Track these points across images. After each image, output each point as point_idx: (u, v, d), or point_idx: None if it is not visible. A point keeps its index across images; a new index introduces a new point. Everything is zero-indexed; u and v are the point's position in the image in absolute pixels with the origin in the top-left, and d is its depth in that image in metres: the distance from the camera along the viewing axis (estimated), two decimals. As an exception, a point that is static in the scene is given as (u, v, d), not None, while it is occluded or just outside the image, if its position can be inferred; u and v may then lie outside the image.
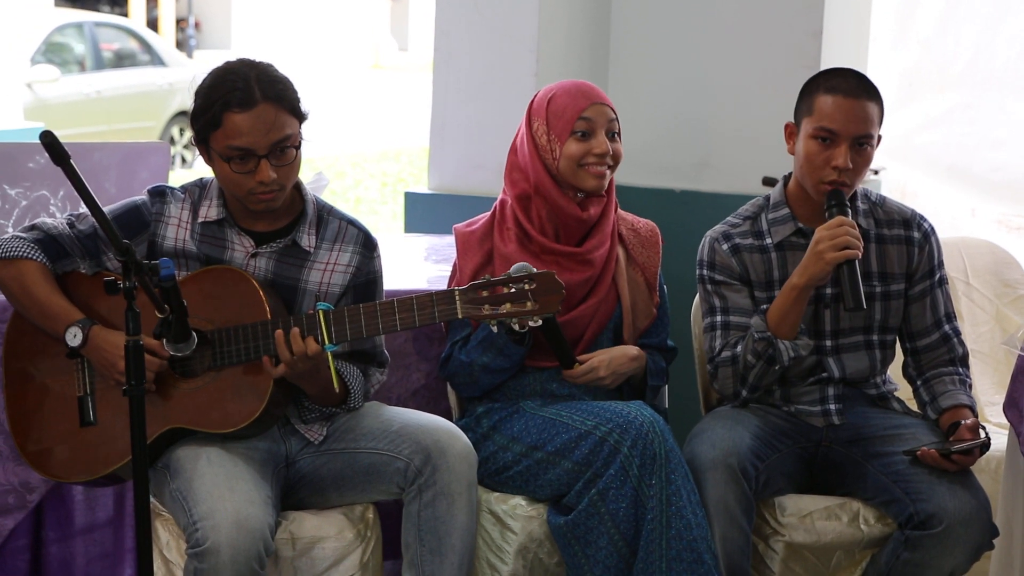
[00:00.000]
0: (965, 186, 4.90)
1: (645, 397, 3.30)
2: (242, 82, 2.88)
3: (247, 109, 2.87)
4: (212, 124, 2.89)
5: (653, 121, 4.56)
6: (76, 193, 2.57)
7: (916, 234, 3.29)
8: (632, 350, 3.27)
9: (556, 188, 3.21)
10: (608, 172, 3.22)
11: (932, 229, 3.32)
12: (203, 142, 2.93)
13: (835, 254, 3.05)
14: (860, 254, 3.07)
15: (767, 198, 3.32)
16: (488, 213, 3.33)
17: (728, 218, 3.33)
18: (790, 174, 3.29)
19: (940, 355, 3.29)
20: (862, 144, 3.13)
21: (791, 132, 3.23)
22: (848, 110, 3.10)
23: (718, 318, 3.24)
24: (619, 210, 3.40)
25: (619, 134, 3.24)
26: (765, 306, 3.18)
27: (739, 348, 3.18)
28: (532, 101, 3.29)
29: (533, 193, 3.24)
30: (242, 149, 2.88)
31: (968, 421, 3.12)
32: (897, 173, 4.94)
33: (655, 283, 3.36)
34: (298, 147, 2.94)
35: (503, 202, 3.31)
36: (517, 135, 3.30)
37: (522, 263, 3.09)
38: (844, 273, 3.06)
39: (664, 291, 3.40)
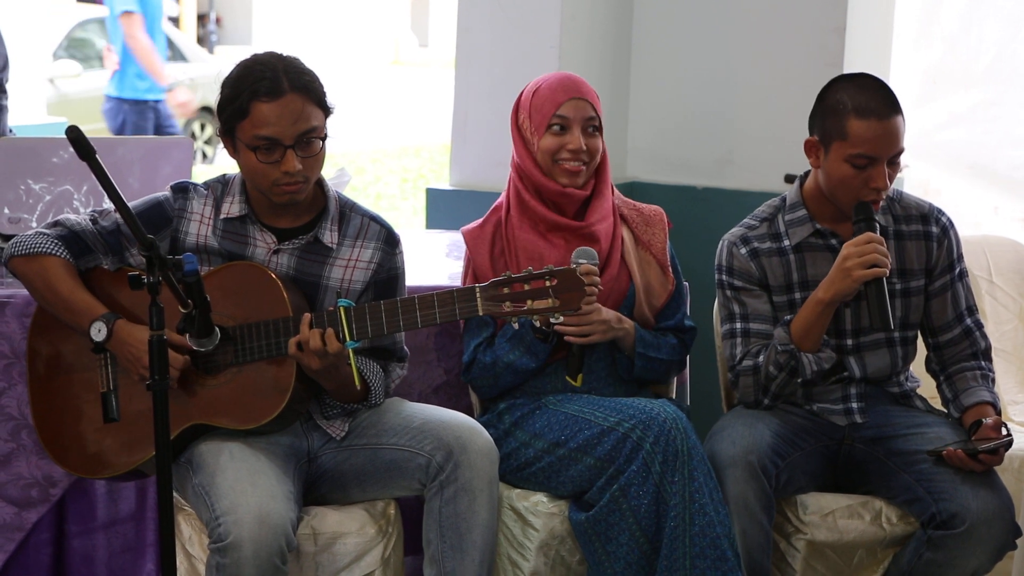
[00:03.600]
0: (988, 184, 4.89)
1: (635, 367, 3.28)
2: (270, 72, 2.89)
3: (275, 98, 2.88)
4: (239, 114, 2.89)
5: (675, 117, 4.56)
6: (100, 188, 2.58)
7: (934, 228, 3.27)
8: (626, 319, 3.25)
9: (540, 174, 3.25)
10: (585, 168, 3.23)
11: (950, 222, 3.30)
12: (229, 133, 2.93)
13: (863, 272, 3.03)
14: (888, 272, 3.05)
15: (783, 199, 3.30)
16: (489, 211, 3.36)
17: (744, 220, 3.31)
18: (806, 174, 3.27)
19: (962, 349, 3.28)
20: (896, 159, 3.11)
21: (814, 147, 3.15)
22: (884, 132, 3.06)
23: (738, 325, 3.23)
24: (622, 196, 3.41)
25: (600, 129, 3.25)
26: (788, 317, 3.17)
27: (761, 358, 3.17)
28: (520, 94, 3.31)
29: (525, 178, 3.28)
30: (268, 139, 2.89)
31: (990, 420, 3.11)
32: (920, 171, 4.92)
33: (666, 261, 3.36)
34: (324, 139, 2.95)
35: (505, 199, 3.33)
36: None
37: (584, 248, 3.13)
38: (872, 292, 3.05)
39: (679, 271, 3.40)
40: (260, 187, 2.96)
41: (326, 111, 2.96)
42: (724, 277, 3.26)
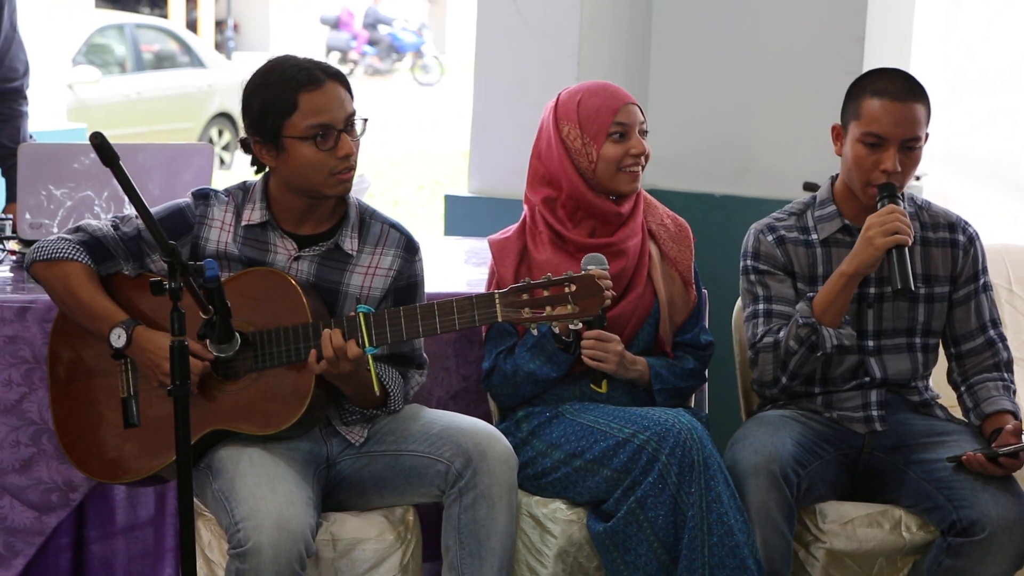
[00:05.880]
0: (1007, 192, 4.88)
1: (656, 400, 3.28)
2: (304, 64, 2.94)
3: (318, 86, 2.91)
4: (288, 109, 2.90)
5: (694, 125, 4.56)
6: (121, 194, 2.60)
7: (961, 238, 3.28)
8: (639, 360, 3.25)
9: (589, 191, 3.23)
10: (641, 172, 3.24)
11: (977, 235, 3.32)
12: (275, 135, 2.92)
13: (885, 239, 3.05)
14: (910, 240, 3.07)
15: (814, 197, 3.33)
16: (519, 223, 3.35)
17: (774, 212, 3.34)
18: (837, 174, 3.29)
19: (984, 360, 3.28)
20: (911, 147, 3.12)
21: (838, 134, 3.23)
22: (896, 113, 3.10)
23: (760, 306, 3.24)
24: (647, 202, 3.41)
25: (646, 132, 3.27)
26: (811, 294, 3.18)
27: (781, 334, 3.17)
28: (556, 105, 3.29)
29: (565, 197, 3.25)
30: (323, 125, 2.91)
31: (1010, 426, 3.11)
32: (938, 178, 4.91)
33: (690, 277, 3.36)
34: (365, 122, 2.99)
35: (532, 207, 3.32)
36: (540, 140, 3.31)
37: (593, 254, 3.13)
38: (893, 257, 3.07)
39: (700, 286, 3.40)
40: (314, 183, 2.95)
41: (354, 98, 2.99)
42: (749, 262, 3.27)
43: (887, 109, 3.11)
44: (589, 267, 3.08)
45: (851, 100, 3.19)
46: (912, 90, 3.13)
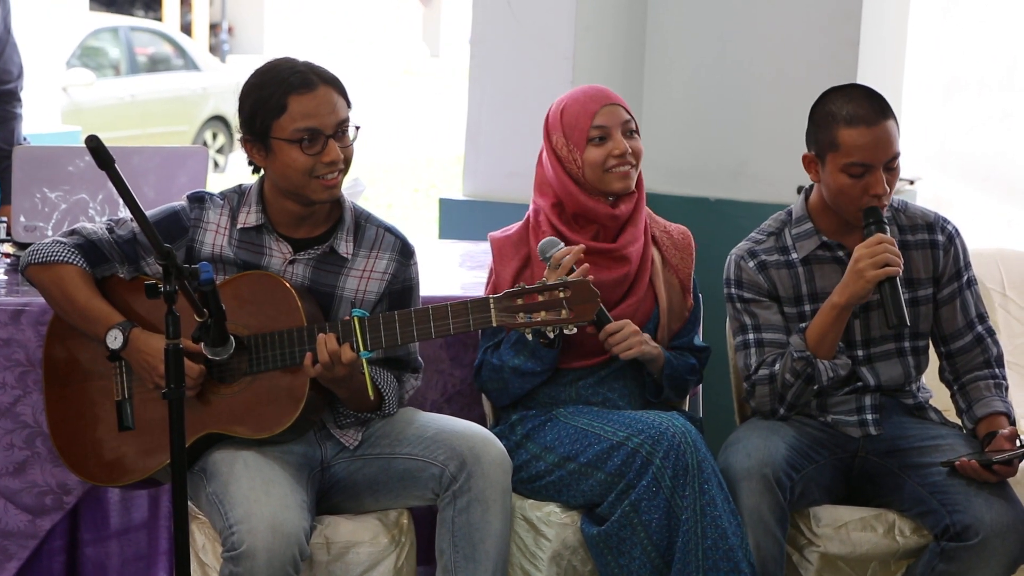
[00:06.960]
0: (1002, 196, 4.89)
1: (662, 390, 3.29)
2: (299, 67, 2.94)
3: (310, 90, 2.91)
4: (276, 110, 2.90)
5: (688, 129, 4.56)
6: (116, 197, 2.60)
7: (940, 237, 3.27)
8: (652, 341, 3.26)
9: (584, 195, 3.23)
10: (632, 170, 3.24)
11: (956, 231, 3.30)
12: (263, 135, 2.93)
13: (876, 272, 3.04)
14: (900, 271, 3.05)
15: (789, 212, 3.30)
16: (522, 221, 3.35)
17: (751, 235, 3.32)
18: (811, 187, 3.27)
19: (975, 357, 3.28)
20: (892, 166, 3.11)
21: (811, 162, 3.17)
22: (875, 139, 3.07)
23: (751, 336, 3.23)
24: (651, 214, 3.41)
25: (637, 131, 3.26)
26: (804, 324, 3.16)
27: (776, 366, 3.16)
28: (547, 116, 3.31)
29: (565, 203, 3.26)
30: (311, 129, 2.90)
31: (1005, 431, 3.11)
32: (933, 181, 4.92)
33: (689, 285, 3.37)
34: (357, 129, 2.98)
35: (536, 209, 3.32)
36: (542, 149, 3.32)
37: (550, 238, 3.14)
38: (886, 290, 3.05)
39: (698, 294, 3.41)
40: (299, 186, 2.95)
41: (349, 105, 2.99)
42: (733, 291, 3.26)
43: (865, 137, 3.06)
44: (549, 254, 3.10)
45: (822, 130, 3.12)
46: (882, 108, 3.09)
